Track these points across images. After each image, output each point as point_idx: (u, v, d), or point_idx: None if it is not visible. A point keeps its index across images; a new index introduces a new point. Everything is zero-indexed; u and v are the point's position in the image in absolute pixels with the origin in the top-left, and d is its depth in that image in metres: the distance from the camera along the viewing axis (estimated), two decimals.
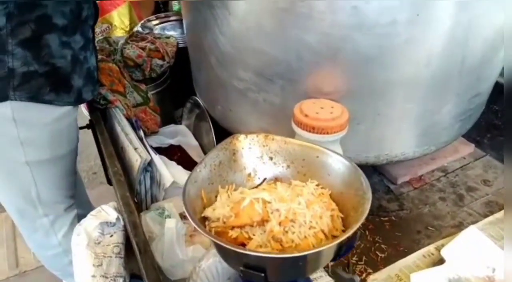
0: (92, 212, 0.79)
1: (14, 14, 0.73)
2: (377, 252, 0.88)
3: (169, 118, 1.18)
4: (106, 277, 0.70)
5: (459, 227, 0.93)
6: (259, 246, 0.47)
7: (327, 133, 0.65)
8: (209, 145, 1.03)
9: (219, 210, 0.51)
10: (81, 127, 1.02)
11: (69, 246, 1.06)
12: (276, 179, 0.58)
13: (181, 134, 1.07)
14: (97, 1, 0.91)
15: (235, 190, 0.55)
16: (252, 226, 0.50)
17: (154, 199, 0.90)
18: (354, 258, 0.87)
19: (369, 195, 0.47)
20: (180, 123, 1.12)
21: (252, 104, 0.80)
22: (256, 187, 0.57)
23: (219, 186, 0.55)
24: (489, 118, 1.11)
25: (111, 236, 0.77)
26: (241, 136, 0.59)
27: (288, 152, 0.60)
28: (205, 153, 1.05)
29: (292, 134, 0.73)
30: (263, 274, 0.45)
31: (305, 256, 0.42)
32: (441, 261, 0.81)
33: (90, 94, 0.89)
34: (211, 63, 0.84)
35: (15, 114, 0.81)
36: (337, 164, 0.54)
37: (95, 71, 0.91)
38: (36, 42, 0.78)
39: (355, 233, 0.44)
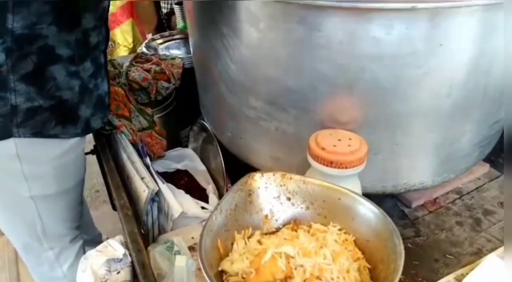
0: (98, 247, 0.76)
1: (13, 48, 0.69)
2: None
3: (175, 139, 1.15)
4: None
5: (478, 254, 0.89)
6: None
7: (346, 168, 0.62)
8: (216, 169, 1.00)
9: (237, 264, 0.47)
10: (86, 153, 1.00)
11: (74, 277, 1.03)
12: (294, 221, 0.55)
13: (188, 159, 1.04)
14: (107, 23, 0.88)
15: (251, 234, 0.52)
16: None
17: (161, 230, 0.87)
18: None
19: (401, 248, 0.44)
20: (187, 145, 1.09)
21: (264, 133, 0.77)
22: (275, 232, 0.54)
23: (235, 231, 0.52)
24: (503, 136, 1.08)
25: (118, 272, 0.74)
26: (257, 175, 0.56)
27: (307, 192, 0.57)
28: (212, 177, 1.02)
29: (306, 164, 0.70)
30: None
31: None
32: None
33: (100, 122, 0.86)
34: (220, 90, 0.81)
35: (19, 151, 0.78)
36: (363, 208, 0.51)
37: (106, 96, 0.88)
38: (40, 75, 0.74)
39: None
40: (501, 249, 0.87)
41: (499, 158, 1.12)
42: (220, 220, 0.51)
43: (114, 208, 1.28)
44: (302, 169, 0.70)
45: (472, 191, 1.06)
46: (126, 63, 1.08)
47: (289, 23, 0.60)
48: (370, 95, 0.64)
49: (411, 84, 0.62)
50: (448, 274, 0.83)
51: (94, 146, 0.99)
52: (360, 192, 0.68)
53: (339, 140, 0.64)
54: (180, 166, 1.03)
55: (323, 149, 0.63)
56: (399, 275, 0.41)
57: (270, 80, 0.68)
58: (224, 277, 0.48)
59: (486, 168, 1.11)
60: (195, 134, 1.06)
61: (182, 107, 1.16)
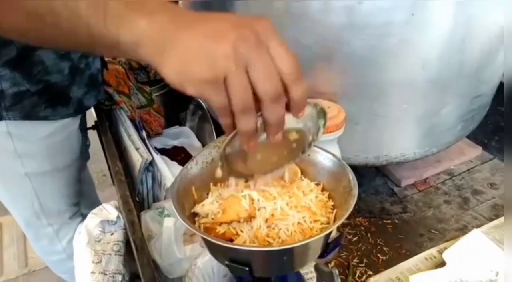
0: (93, 211, 0.81)
1: None
2: (379, 255, 0.88)
3: (173, 120, 1.20)
4: (105, 274, 0.71)
5: (463, 230, 0.91)
6: (246, 242, 0.47)
7: (323, 133, 0.65)
8: None
9: (208, 206, 0.51)
10: (88, 128, 1.05)
11: (73, 250, 1.08)
12: None
13: (184, 136, 1.08)
14: None
15: (227, 187, 0.56)
16: (239, 222, 0.50)
17: (156, 199, 0.91)
18: (355, 260, 0.87)
19: (356, 191, 0.47)
20: (184, 125, 1.14)
21: None
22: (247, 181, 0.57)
23: (211, 183, 0.56)
24: (496, 120, 1.09)
25: (112, 234, 0.79)
26: (231, 136, 0.60)
27: None
28: None
29: None
30: (247, 268, 0.45)
31: (287, 249, 0.43)
32: (442, 264, 0.80)
33: (93, 100, 0.88)
34: None
35: (11, 130, 0.80)
36: (327, 161, 0.54)
37: (99, 74, 0.90)
38: (25, 60, 0.75)
39: (341, 231, 0.45)
40: (486, 225, 0.89)
41: (492, 141, 1.14)
42: (196, 170, 0.55)
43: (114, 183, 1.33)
44: None
45: (463, 172, 1.08)
46: None
47: None
48: (347, 66, 0.67)
49: (386, 55, 0.65)
50: (431, 247, 0.86)
51: (95, 121, 1.05)
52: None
53: None
54: (176, 143, 1.07)
55: None
56: (348, 212, 0.44)
57: None
58: (196, 219, 0.52)
59: (478, 150, 1.13)
60: (191, 113, 1.10)
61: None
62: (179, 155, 1.06)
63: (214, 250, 0.50)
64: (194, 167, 0.54)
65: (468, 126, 0.85)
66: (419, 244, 0.90)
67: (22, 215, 0.99)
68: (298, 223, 0.49)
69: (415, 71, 0.67)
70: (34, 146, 0.85)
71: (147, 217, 0.79)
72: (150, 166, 0.87)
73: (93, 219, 0.78)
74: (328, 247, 0.48)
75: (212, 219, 0.50)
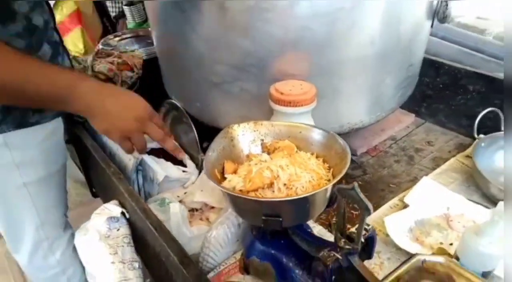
0: (96, 211, 0.85)
1: None
2: (352, 211, 1.01)
3: None
4: (124, 262, 0.76)
5: (414, 181, 1.08)
6: None
7: (301, 105, 0.77)
8: (188, 144, 1.11)
9: (234, 181, 0.61)
10: (66, 142, 1.07)
11: (66, 264, 1.09)
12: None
13: None
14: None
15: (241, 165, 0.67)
16: (263, 189, 0.61)
17: (147, 195, 0.97)
18: (334, 219, 1.00)
19: (348, 150, 0.60)
20: None
21: (230, 96, 0.91)
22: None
23: (226, 164, 0.66)
24: (423, 90, 1.30)
25: (118, 229, 0.84)
26: (235, 126, 0.71)
27: (275, 132, 0.72)
28: (186, 151, 1.13)
29: (268, 116, 0.85)
30: (280, 219, 0.55)
31: (309, 197, 0.54)
32: (405, 208, 0.96)
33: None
34: (185, 65, 0.94)
35: (7, 141, 0.84)
36: (317, 134, 0.67)
37: None
38: None
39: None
40: (431, 174, 1.07)
41: (422, 108, 1.34)
42: (214, 156, 0.65)
43: (93, 195, 1.34)
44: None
45: (403, 136, 1.27)
46: (90, 58, 1.17)
47: None
48: (310, 49, 0.81)
49: (341, 37, 0.80)
50: (393, 198, 1.02)
51: (70, 136, 1.07)
52: None
53: (293, 86, 0.80)
54: (153, 145, 1.13)
55: (281, 93, 0.78)
56: (347, 164, 0.57)
57: (230, 46, 0.83)
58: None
59: (412, 117, 1.33)
60: (163, 116, 1.17)
61: (147, 96, 1.26)
62: (158, 156, 1.12)
63: (250, 210, 0.59)
64: (212, 154, 0.64)
65: (406, 93, 1.03)
66: (382, 197, 1.05)
67: (21, 229, 0.98)
68: (309, 181, 0.61)
69: (364, 49, 0.83)
70: (30, 152, 0.88)
71: (151, 207, 0.85)
72: (139, 165, 0.93)
73: (98, 218, 0.83)
74: (331, 199, 0.61)
75: (241, 190, 0.60)
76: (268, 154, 0.68)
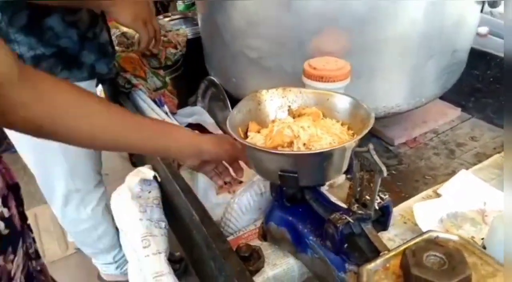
0: (131, 173, 0.90)
1: (5, 6, 0.80)
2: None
3: (183, 103, 1.30)
4: (151, 221, 0.80)
5: (452, 174, 1.03)
6: None
7: (334, 81, 0.77)
8: (223, 120, 1.14)
9: (256, 138, 0.63)
10: None
11: (97, 220, 1.15)
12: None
13: (197, 114, 1.18)
14: None
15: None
16: (283, 147, 0.62)
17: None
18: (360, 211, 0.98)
19: (372, 115, 0.59)
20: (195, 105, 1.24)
21: (265, 71, 0.92)
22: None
23: (251, 124, 0.67)
24: (471, 83, 1.24)
25: (149, 192, 0.88)
26: (263, 91, 0.72)
27: (303, 99, 0.72)
28: (221, 128, 1.16)
29: None
30: (296, 175, 0.56)
31: (327, 152, 0.54)
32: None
33: (105, 67, 0.97)
34: (225, 40, 0.97)
35: None
36: (344, 101, 0.67)
37: (107, 45, 0.99)
38: (37, 27, 0.84)
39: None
40: (472, 168, 1.02)
41: (469, 103, 1.28)
42: (239, 117, 0.67)
43: (133, 164, 1.41)
44: None
45: (446, 130, 1.22)
46: (137, 35, 1.22)
47: None
48: (349, 26, 0.80)
49: (382, 15, 0.78)
50: (427, 189, 0.98)
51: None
52: None
53: (327, 62, 0.79)
54: (191, 120, 1.17)
55: (315, 68, 0.78)
56: (371, 124, 0.56)
57: (268, 20, 0.84)
58: None
59: (458, 111, 1.27)
60: (202, 93, 1.21)
61: (188, 73, 1.31)
62: (195, 130, 1.16)
63: (267, 165, 0.60)
64: (238, 114, 0.66)
65: (449, 80, 0.99)
66: (416, 188, 1.02)
67: (52, 177, 1.04)
68: (330, 143, 0.61)
69: (405, 28, 0.81)
70: None
71: (181, 173, 0.89)
72: None
73: (132, 179, 0.87)
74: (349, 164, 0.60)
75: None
76: (294, 119, 0.69)
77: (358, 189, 0.53)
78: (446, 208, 0.89)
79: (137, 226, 0.77)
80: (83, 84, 0.94)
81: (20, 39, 0.84)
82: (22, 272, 0.46)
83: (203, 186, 0.83)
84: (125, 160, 2.19)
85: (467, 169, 1.02)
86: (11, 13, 0.81)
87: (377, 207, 0.52)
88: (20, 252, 0.45)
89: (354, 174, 0.52)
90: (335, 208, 0.57)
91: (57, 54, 0.88)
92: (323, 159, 0.56)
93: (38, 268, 0.53)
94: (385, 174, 0.48)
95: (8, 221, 0.43)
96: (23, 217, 0.49)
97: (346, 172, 0.62)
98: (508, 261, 0.44)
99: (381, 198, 0.52)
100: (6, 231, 0.42)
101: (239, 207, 0.75)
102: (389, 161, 1.12)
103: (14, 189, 0.47)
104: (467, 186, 0.94)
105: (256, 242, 0.71)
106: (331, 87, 0.78)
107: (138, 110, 1.07)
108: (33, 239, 0.53)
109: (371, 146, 0.48)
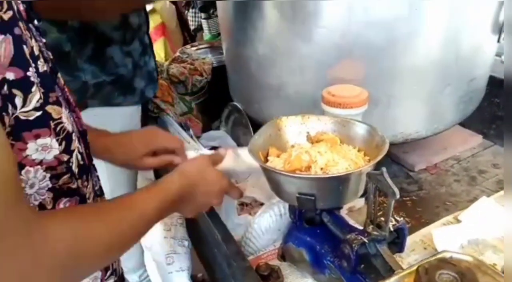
0: None
1: (75, 38, 0.90)
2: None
3: (208, 127, 1.35)
4: (175, 239, 0.83)
5: (474, 201, 1.03)
6: None
7: (351, 107, 0.80)
8: (246, 144, 1.18)
9: (275, 162, 0.66)
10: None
11: None
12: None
13: (220, 138, 1.23)
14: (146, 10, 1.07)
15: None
16: (301, 171, 0.65)
17: None
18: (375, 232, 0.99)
19: (387, 141, 0.62)
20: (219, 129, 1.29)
21: (285, 98, 0.96)
22: None
23: (270, 149, 0.71)
24: (493, 111, 1.24)
25: None
26: (283, 118, 0.76)
27: (321, 126, 0.76)
28: None
29: None
30: (313, 198, 0.59)
31: (344, 176, 0.57)
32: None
33: (152, 92, 1.06)
34: (248, 69, 1.02)
35: (90, 121, 0.97)
36: (360, 128, 0.70)
37: (154, 72, 1.08)
38: (100, 56, 0.94)
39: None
40: (493, 195, 1.02)
41: (490, 130, 1.28)
42: (260, 141, 0.71)
43: None
44: None
45: (468, 157, 1.22)
46: (166, 63, 1.30)
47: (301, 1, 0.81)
48: (366, 55, 0.84)
49: (397, 44, 0.82)
50: (447, 216, 0.98)
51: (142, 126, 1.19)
52: None
53: (345, 89, 0.83)
54: (214, 143, 1.22)
55: (333, 95, 0.82)
56: (385, 150, 0.59)
57: (291, 51, 0.89)
58: None
59: (479, 138, 1.27)
60: (225, 118, 1.26)
61: (213, 98, 1.37)
62: None
63: (285, 187, 0.63)
64: (259, 138, 0.70)
65: (468, 108, 1.01)
66: (437, 214, 1.02)
67: None
68: (346, 168, 0.63)
69: (420, 57, 0.84)
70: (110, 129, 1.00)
71: None
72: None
73: None
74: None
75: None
76: (312, 144, 0.72)
77: (373, 211, 0.56)
78: (467, 234, 0.88)
79: (162, 243, 0.81)
80: (133, 108, 1.03)
81: (86, 67, 0.93)
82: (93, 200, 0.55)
83: (225, 206, 0.86)
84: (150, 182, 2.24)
85: (488, 196, 1.02)
86: (79, 44, 0.91)
87: (392, 229, 0.54)
88: (90, 183, 0.55)
89: (369, 197, 0.55)
90: (351, 229, 0.60)
91: (115, 81, 0.97)
92: (339, 183, 0.59)
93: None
94: (397, 196, 0.50)
95: (82, 155, 0.52)
96: (90, 157, 0.56)
97: (363, 196, 0.65)
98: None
99: (396, 220, 0.54)
100: (81, 162, 0.51)
101: (259, 227, 0.77)
102: (410, 186, 1.12)
103: (83, 134, 0.55)
104: (489, 212, 0.94)
105: (275, 262, 0.73)
106: (349, 113, 0.81)
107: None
108: (97, 177, 0.61)
109: (384, 169, 0.50)
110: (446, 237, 0.87)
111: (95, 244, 0.43)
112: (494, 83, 1.14)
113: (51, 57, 0.50)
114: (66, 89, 0.53)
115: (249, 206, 1.00)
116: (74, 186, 0.49)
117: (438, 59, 0.85)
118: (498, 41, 0.96)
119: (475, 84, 0.97)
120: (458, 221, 0.94)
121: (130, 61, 0.99)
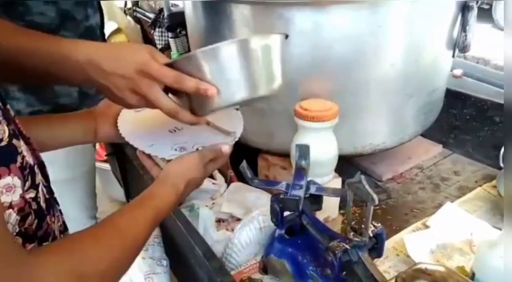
0: None
1: None
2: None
3: None
4: (153, 259, 0.82)
5: (439, 207, 1.08)
6: None
7: (324, 121, 0.83)
8: None
9: None
10: (107, 155, 1.17)
11: None
12: None
13: None
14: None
15: None
16: None
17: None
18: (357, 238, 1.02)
19: None
20: None
21: (258, 113, 0.98)
22: None
23: None
24: (450, 121, 1.32)
25: None
26: None
27: None
28: None
29: (291, 132, 0.91)
30: None
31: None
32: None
33: None
34: None
35: None
36: None
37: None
38: (38, 87, 0.86)
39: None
40: (456, 201, 1.08)
41: (449, 139, 1.36)
42: None
43: None
44: (288, 136, 0.92)
45: (430, 165, 1.29)
46: None
47: (271, 19, 0.84)
48: (335, 70, 0.88)
49: (364, 59, 0.87)
50: (416, 222, 1.03)
51: (112, 148, 1.18)
52: (336, 145, 0.89)
53: (317, 104, 0.86)
54: None
55: (306, 109, 0.85)
56: None
57: None
58: None
59: (439, 148, 1.35)
60: None
61: None
62: None
63: None
64: None
65: (429, 118, 1.07)
66: (406, 221, 1.06)
67: None
68: None
69: (386, 70, 0.89)
70: (58, 153, 0.95)
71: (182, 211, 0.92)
72: None
73: None
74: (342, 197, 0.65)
75: None
76: None
77: (352, 217, 0.58)
78: (435, 239, 0.93)
79: (140, 264, 0.79)
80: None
81: (19, 96, 0.86)
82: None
83: (203, 223, 0.86)
84: (116, 204, 2.19)
85: (452, 201, 1.08)
86: None
87: (371, 234, 0.56)
88: (56, 218, 0.51)
89: (348, 204, 0.57)
90: (332, 235, 0.61)
91: (53, 110, 0.89)
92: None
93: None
94: (376, 202, 0.53)
95: (46, 189, 0.48)
96: (50, 190, 0.52)
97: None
98: None
99: (374, 226, 0.56)
100: (47, 196, 0.48)
101: (239, 241, 0.78)
102: (379, 195, 1.16)
103: (41, 166, 0.51)
104: (454, 217, 0.99)
105: (257, 276, 0.73)
106: (322, 126, 0.84)
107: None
108: (60, 211, 0.55)
109: (362, 176, 0.53)
110: (417, 243, 0.91)
111: (91, 275, 0.41)
112: (450, 95, 1.22)
113: None
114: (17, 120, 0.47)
115: (225, 222, 1.00)
116: (43, 226, 0.46)
117: (401, 72, 0.90)
118: (453, 56, 1.03)
119: (435, 95, 1.03)
120: (427, 227, 0.98)
121: (75, 90, 0.92)
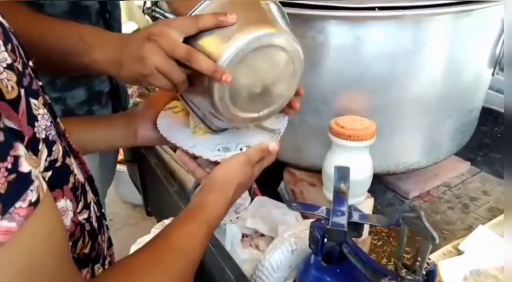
0: (155, 226, 0.90)
1: None
2: (404, 254, 1.00)
3: None
4: None
5: (469, 229, 1.05)
6: None
7: (361, 140, 0.80)
8: None
9: None
10: (128, 161, 1.15)
11: None
12: None
13: None
14: None
15: None
16: None
17: None
18: (384, 260, 0.98)
19: None
20: None
21: (288, 125, 0.95)
22: None
23: None
24: (480, 139, 1.28)
25: None
26: None
27: None
28: None
29: (325, 148, 0.88)
30: None
31: None
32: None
33: None
34: None
35: None
36: None
37: None
38: None
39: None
40: (488, 223, 1.04)
41: (478, 157, 1.32)
42: None
43: (148, 213, 1.40)
44: (318, 152, 0.88)
45: (458, 184, 1.25)
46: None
47: (311, 32, 0.80)
48: (373, 87, 0.84)
49: (404, 76, 0.83)
50: (446, 245, 0.99)
51: (133, 154, 1.15)
52: (371, 165, 0.86)
53: (354, 121, 0.83)
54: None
55: (342, 127, 0.81)
56: None
57: None
58: None
59: (467, 165, 1.30)
60: None
61: None
62: None
63: None
64: None
65: (464, 137, 1.03)
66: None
67: None
68: None
69: (426, 89, 0.85)
70: None
71: None
72: (198, 185, 0.98)
73: (157, 231, 0.87)
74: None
75: None
76: None
77: (405, 254, 0.54)
78: (468, 265, 0.89)
79: None
80: None
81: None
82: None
83: (230, 240, 0.83)
84: (128, 206, 2.18)
85: (483, 223, 1.04)
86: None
87: (424, 272, 0.52)
88: (105, 235, 0.49)
89: (402, 240, 0.53)
90: (378, 268, 0.58)
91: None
92: None
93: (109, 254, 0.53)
94: (437, 241, 0.49)
95: (96, 205, 0.45)
96: (100, 205, 0.49)
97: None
98: None
99: (427, 263, 0.53)
100: (98, 214, 0.45)
101: (270, 264, 0.74)
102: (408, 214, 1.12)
103: (89, 180, 0.48)
104: (487, 242, 0.95)
105: None
106: (359, 146, 0.81)
107: (159, 159, 1.08)
108: (107, 226, 0.53)
109: (422, 213, 0.49)
110: (450, 269, 0.87)
111: None
112: (481, 112, 1.18)
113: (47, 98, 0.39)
114: (67, 134, 0.43)
115: (249, 237, 0.96)
116: (95, 247, 0.43)
117: (441, 91, 0.87)
118: (493, 74, 0.99)
119: (471, 115, 0.99)
120: (458, 250, 0.94)
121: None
